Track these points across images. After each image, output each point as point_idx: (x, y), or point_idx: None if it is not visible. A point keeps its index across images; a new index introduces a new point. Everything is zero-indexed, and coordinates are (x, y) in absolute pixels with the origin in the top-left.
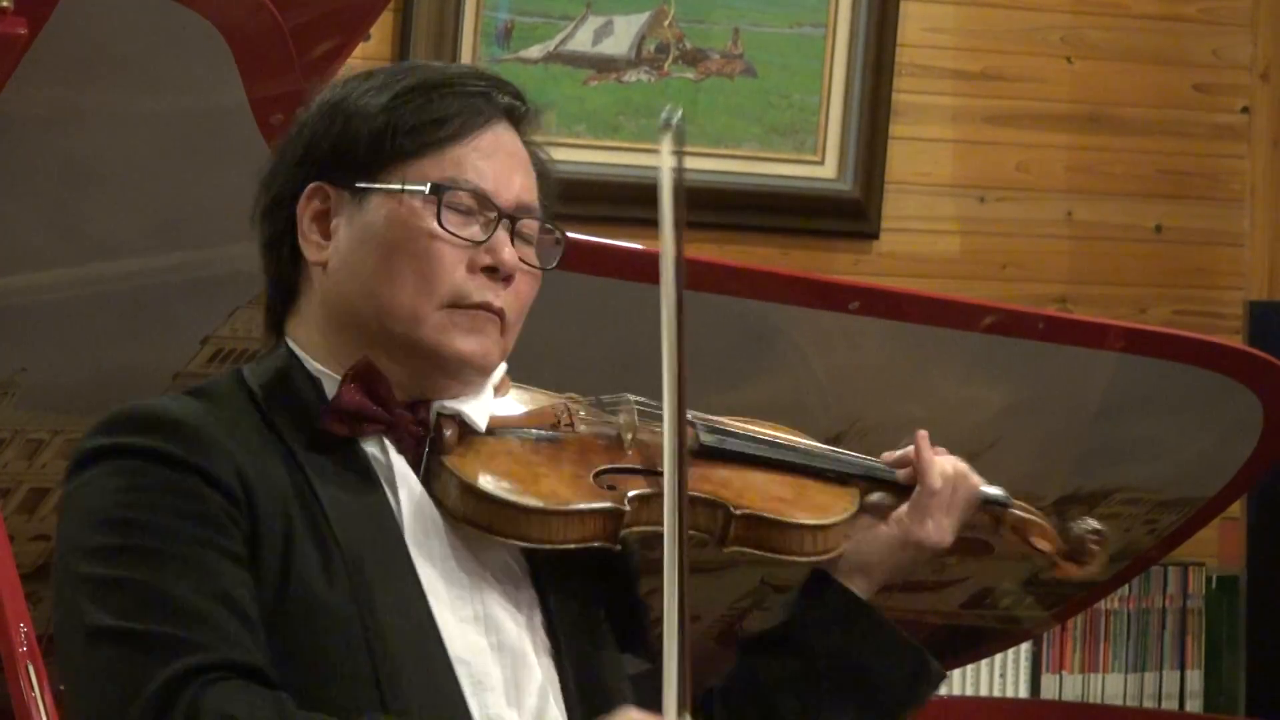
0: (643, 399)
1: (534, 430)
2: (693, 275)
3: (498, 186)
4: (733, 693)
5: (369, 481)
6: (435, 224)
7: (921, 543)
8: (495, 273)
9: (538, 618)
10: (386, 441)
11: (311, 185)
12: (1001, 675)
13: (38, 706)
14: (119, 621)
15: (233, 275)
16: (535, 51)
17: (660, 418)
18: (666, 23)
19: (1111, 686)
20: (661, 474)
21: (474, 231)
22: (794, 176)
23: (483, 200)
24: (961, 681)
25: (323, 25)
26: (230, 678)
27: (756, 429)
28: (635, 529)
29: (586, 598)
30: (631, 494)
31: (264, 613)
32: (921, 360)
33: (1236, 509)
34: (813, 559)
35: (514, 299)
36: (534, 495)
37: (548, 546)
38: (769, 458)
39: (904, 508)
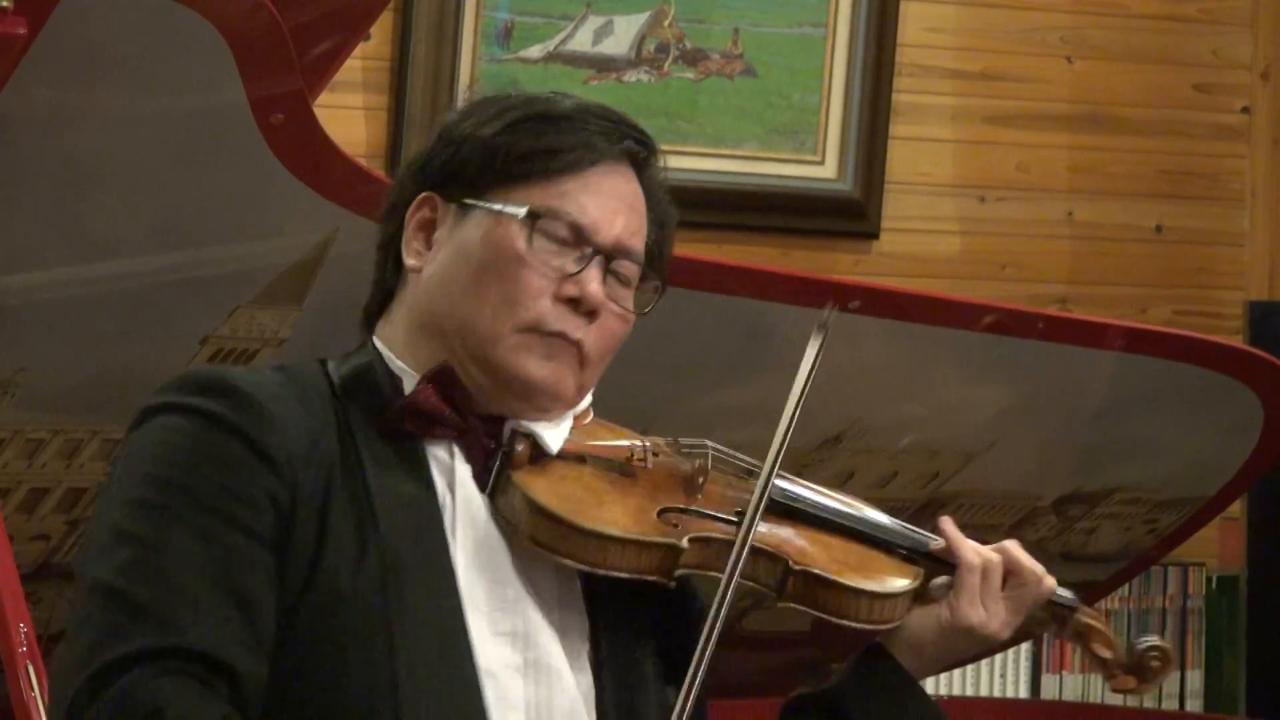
0: (721, 447)
1: (606, 461)
2: (693, 275)
3: (598, 224)
4: None
5: (424, 482)
6: (526, 247)
7: (971, 629)
8: (578, 305)
9: (584, 642)
10: (455, 447)
11: (422, 195)
12: (1001, 675)
13: (38, 706)
14: (115, 579)
15: (233, 275)
16: (535, 51)
17: (735, 467)
18: (666, 23)
19: None
20: (725, 520)
21: (566, 263)
22: (794, 176)
23: (579, 234)
24: (961, 681)
25: (323, 25)
26: (189, 672)
27: (837, 495)
28: (692, 570)
29: (639, 629)
30: (692, 535)
31: (288, 596)
32: (921, 360)
33: (1236, 509)
34: (868, 627)
35: (598, 336)
36: (595, 519)
37: (601, 571)
38: (841, 523)
39: (953, 596)
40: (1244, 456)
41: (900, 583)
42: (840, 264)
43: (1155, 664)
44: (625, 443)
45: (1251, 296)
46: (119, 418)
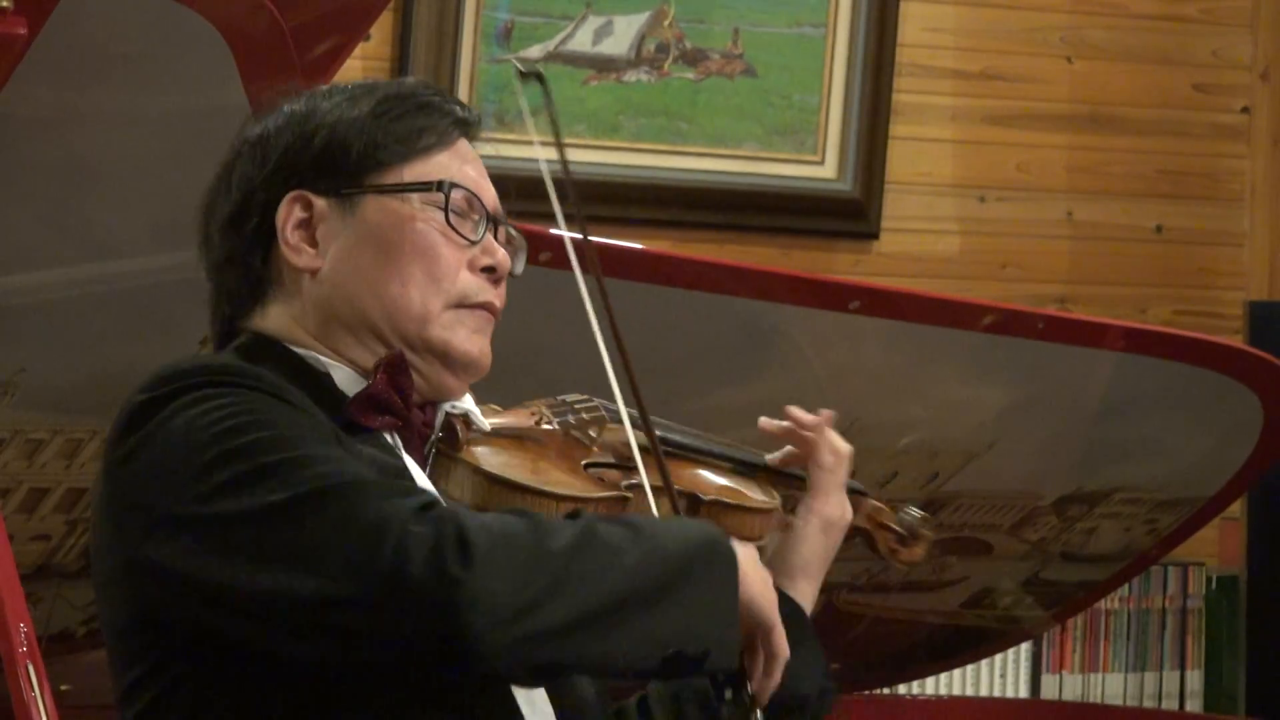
0: (589, 396)
1: (519, 429)
2: (693, 275)
3: (482, 192)
4: (661, 697)
5: (401, 465)
6: (444, 221)
7: (836, 521)
8: (493, 272)
9: None
10: (396, 438)
11: (292, 194)
12: (1001, 675)
13: (38, 706)
14: (319, 484)
15: None
16: (535, 51)
17: (611, 416)
18: (666, 23)
19: (1111, 686)
20: (632, 467)
21: (467, 232)
22: (794, 176)
23: (474, 202)
24: (961, 681)
25: (323, 25)
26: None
27: (684, 428)
28: None
29: None
30: (623, 483)
31: None
32: (921, 360)
33: (1236, 509)
34: (758, 543)
35: (500, 301)
36: (553, 483)
37: None
38: (703, 450)
39: (807, 494)
40: (1244, 457)
41: (770, 495)
42: (840, 264)
43: (925, 531)
44: (527, 410)
45: (1251, 296)
46: None
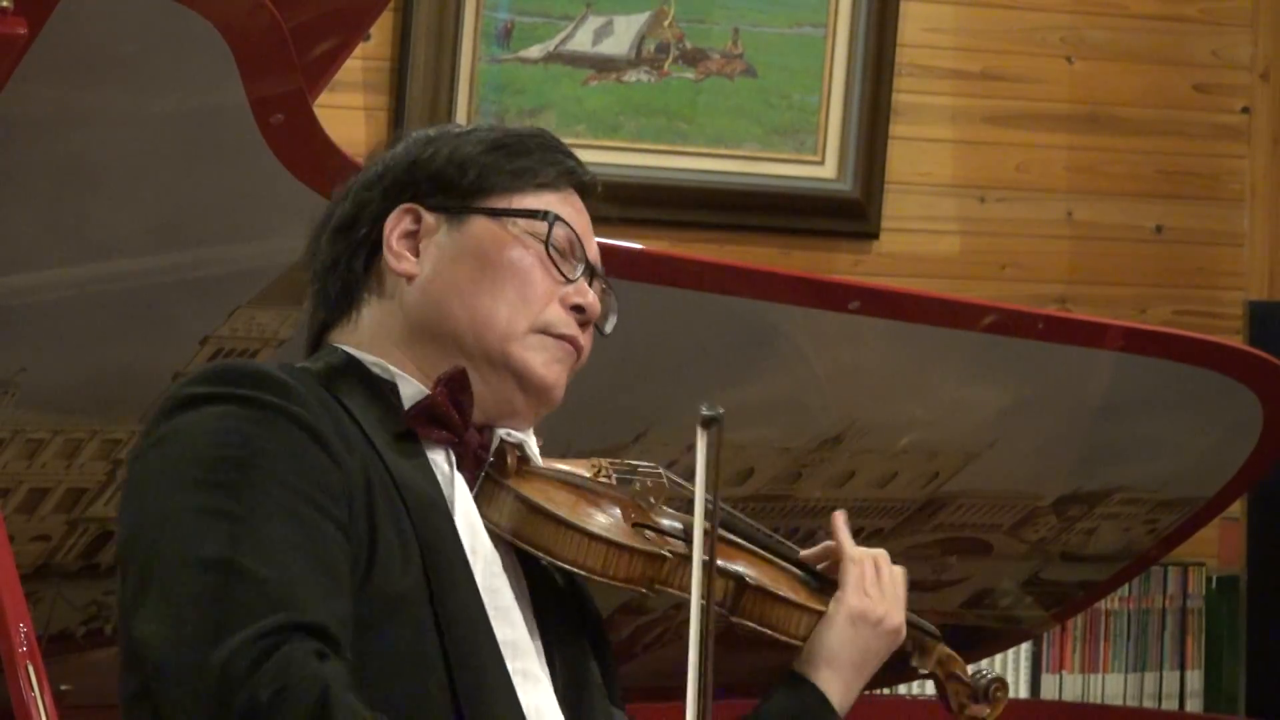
0: (660, 469)
1: (575, 475)
2: (693, 275)
3: (586, 239)
4: None
5: (435, 483)
6: (543, 248)
7: (867, 615)
8: (581, 312)
9: (539, 647)
10: (450, 453)
11: (403, 206)
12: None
13: (38, 706)
14: (232, 554)
15: (233, 275)
16: (535, 51)
17: (675, 488)
18: (666, 23)
19: (1111, 686)
20: (680, 538)
21: (568, 270)
22: (794, 176)
23: (575, 246)
24: None
25: (323, 25)
26: (328, 654)
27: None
28: (665, 587)
29: (577, 633)
30: (669, 548)
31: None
32: (921, 360)
33: (1236, 509)
34: (796, 643)
35: (585, 345)
36: (594, 523)
37: (597, 577)
38: (765, 544)
39: (839, 589)
40: (1244, 457)
41: (819, 599)
42: (840, 264)
43: (1000, 694)
44: (588, 462)
45: (1251, 296)
46: (119, 418)
